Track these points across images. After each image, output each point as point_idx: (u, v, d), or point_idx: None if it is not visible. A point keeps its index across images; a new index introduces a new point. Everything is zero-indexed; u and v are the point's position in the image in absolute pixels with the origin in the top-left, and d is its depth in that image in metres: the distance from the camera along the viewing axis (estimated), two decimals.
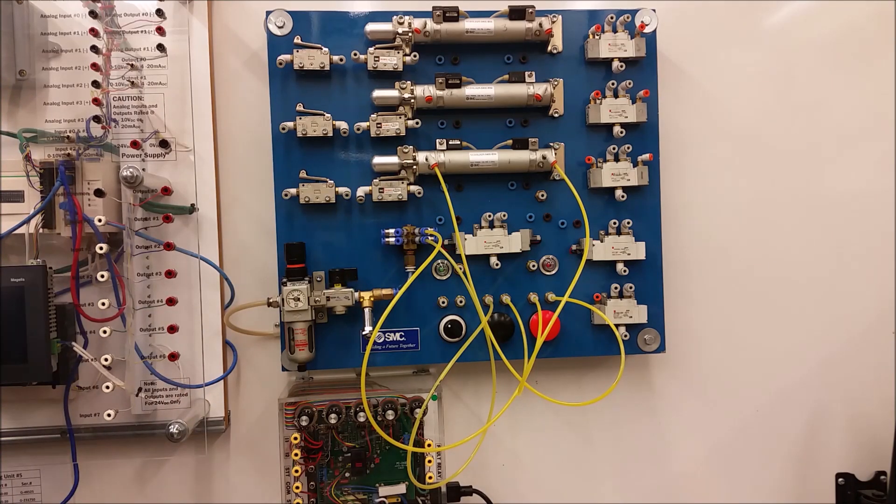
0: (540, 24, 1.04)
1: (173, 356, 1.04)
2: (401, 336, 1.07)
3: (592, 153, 1.08)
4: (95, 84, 0.97)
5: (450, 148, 1.05)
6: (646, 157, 1.07)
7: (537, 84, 1.05)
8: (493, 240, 1.05)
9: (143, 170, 0.99)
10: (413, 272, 1.03)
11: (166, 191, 1.01)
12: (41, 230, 0.96)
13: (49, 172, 0.95)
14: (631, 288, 1.08)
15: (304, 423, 0.97)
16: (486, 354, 1.05)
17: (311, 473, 1.00)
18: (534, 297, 1.08)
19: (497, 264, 1.06)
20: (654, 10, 1.08)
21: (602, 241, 1.07)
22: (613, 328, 1.05)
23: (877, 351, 1.21)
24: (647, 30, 1.08)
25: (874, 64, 1.20)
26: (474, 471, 1.11)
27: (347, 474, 1.02)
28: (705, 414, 1.20)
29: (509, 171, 1.06)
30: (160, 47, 1.03)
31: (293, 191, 1.03)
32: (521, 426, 1.15)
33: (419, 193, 1.05)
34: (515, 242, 1.06)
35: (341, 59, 1.02)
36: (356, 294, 1.02)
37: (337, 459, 1.02)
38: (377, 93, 1.04)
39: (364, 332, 1.00)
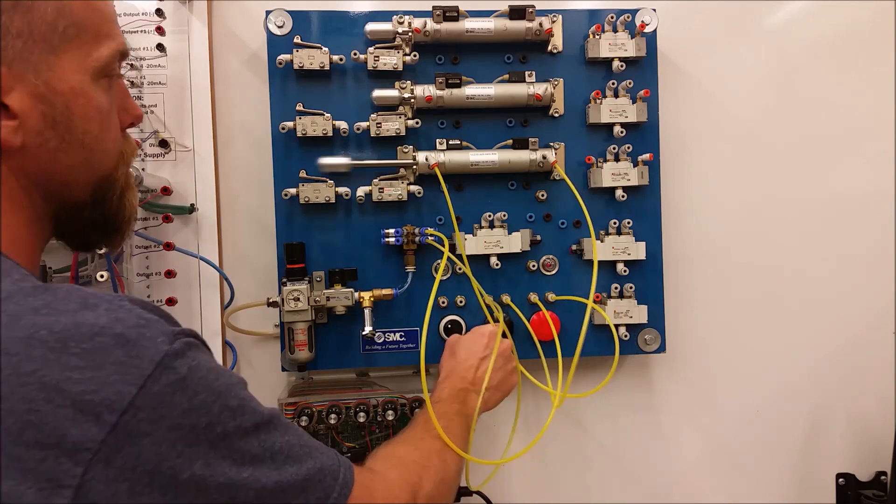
0: (540, 24, 1.04)
1: None
2: (401, 336, 1.07)
3: (592, 153, 1.08)
4: None
5: (450, 148, 1.05)
6: (646, 156, 1.06)
7: (537, 84, 1.05)
8: (494, 240, 1.05)
9: (143, 170, 0.99)
10: (412, 272, 1.04)
11: (166, 191, 1.01)
12: None
13: None
14: (631, 288, 1.08)
15: (303, 424, 0.97)
16: None
17: None
18: (534, 297, 1.07)
19: (497, 264, 1.06)
20: (654, 10, 1.08)
21: (602, 241, 1.07)
22: (606, 317, 1.05)
23: (877, 351, 1.21)
24: (648, 29, 1.08)
25: (874, 64, 1.20)
26: (474, 471, 1.11)
27: None
28: (706, 414, 1.19)
29: (509, 170, 1.06)
30: (160, 47, 1.03)
31: (293, 191, 1.02)
32: (522, 427, 1.15)
33: (419, 193, 1.04)
34: (515, 242, 1.06)
35: (341, 59, 1.02)
36: (356, 294, 1.01)
37: None
38: (377, 92, 1.04)
39: (364, 332, 1.00)
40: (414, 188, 1.04)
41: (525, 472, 1.17)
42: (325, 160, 1.02)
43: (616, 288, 1.08)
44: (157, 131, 1.04)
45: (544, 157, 1.05)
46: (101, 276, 0.95)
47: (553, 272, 1.09)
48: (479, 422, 0.97)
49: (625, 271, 1.07)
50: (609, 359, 1.10)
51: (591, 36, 1.07)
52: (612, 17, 1.06)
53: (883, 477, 1.20)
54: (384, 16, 1.03)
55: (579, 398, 1.15)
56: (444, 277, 1.07)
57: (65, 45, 0.56)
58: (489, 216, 1.05)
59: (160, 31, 1.01)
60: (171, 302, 1.03)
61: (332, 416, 0.98)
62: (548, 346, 1.06)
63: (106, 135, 0.60)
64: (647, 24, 1.08)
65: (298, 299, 0.99)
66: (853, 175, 1.20)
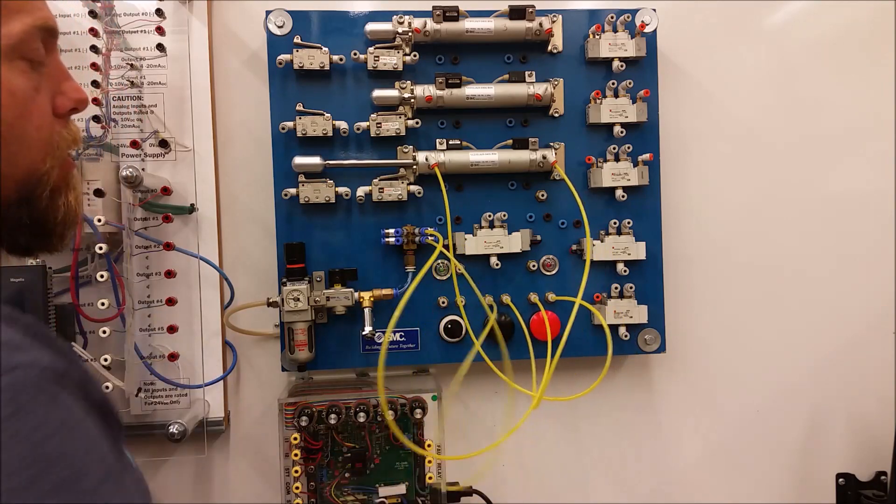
0: (540, 24, 1.04)
1: (173, 356, 1.04)
2: (401, 336, 1.07)
3: (593, 153, 1.08)
4: (95, 84, 0.97)
5: (450, 148, 1.05)
6: (646, 156, 1.06)
7: (537, 84, 1.05)
8: (494, 240, 1.05)
9: (143, 170, 0.99)
10: (413, 272, 1.03)
11: (166, 191, 1.01)
12: None
13: None
14: (631, 288, 1.08)
15: (303, 424, 0.97)
16: (488, 354, 1.05)
17: (311, 474, 1.00)
18: (534, 297, 1.07)
19: (497, 264, 1.06)
20: (654, 10, 1.08)
21: (602, 241, 1.07)
22: (599, 315, 1.05)
23: (877, 351, 1.21)
24: (648, 29, 1.08)
25: (874, 64, 1.20)
26: (474, 471, 1.11)
27: (347, 474, 1.02)
28: (706, 414, 1.19)
29: (509, 170, 1.06)
30: (160, 47, 1.03)
31: (293, 191, 1.02)
32: (521, 426, 1.15)
33: (419, 193, 1.04)
34: (515, 242, 1.06)
35: (341, 59, 1.02)
36: (356, 294, 1.01)
37: (337, 460, 1.01)
38: (377, 92, 1.04)
39: (364, 332, 1.00)
40: (414, 188, 1.04)
41: (525, 472, 1.17)
42: (298, 160, 1.02)
43: (616, 288, 1.08)
44: (157, 131, 1.04)
45: (544, 157, 1.05)
46: (101, 276, 0.95)
47: (553, 272, 1.09)
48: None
49: (625, 271, 1.07)
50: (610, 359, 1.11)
51: (591, 36, 1.07)
52: (612, 17, 1.06)
53: (883, 477, 1.20)
54: (384, 16, 1.03)
55: (579, 398, 1.14)
56: (444, 278, 1.07)
57: None
58: (489, 216, 1.05)
59: (160, 31, 1.01)
60: (171, 302, 1.03)
61: (332, 416, 0.98)
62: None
63: (25, 122, 0.52)
64: (647, 24, 1.08)
65: (298, 299, 0.99)
66: (853, 175, 1.20)
